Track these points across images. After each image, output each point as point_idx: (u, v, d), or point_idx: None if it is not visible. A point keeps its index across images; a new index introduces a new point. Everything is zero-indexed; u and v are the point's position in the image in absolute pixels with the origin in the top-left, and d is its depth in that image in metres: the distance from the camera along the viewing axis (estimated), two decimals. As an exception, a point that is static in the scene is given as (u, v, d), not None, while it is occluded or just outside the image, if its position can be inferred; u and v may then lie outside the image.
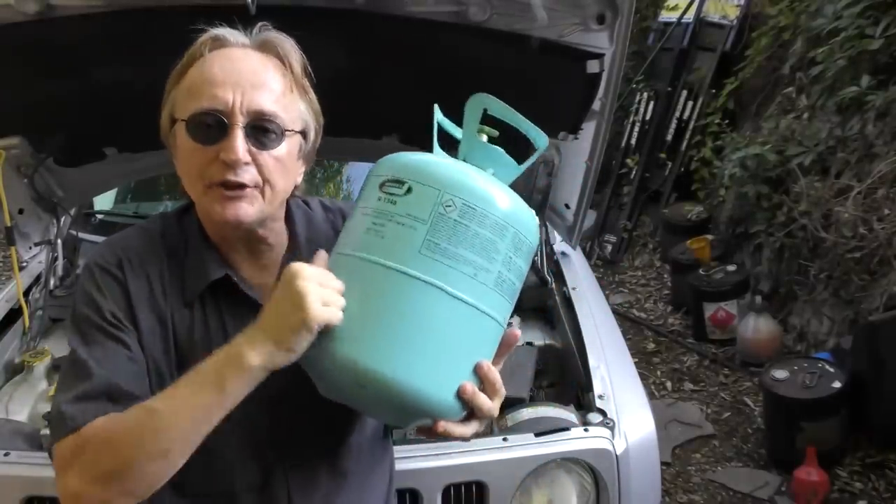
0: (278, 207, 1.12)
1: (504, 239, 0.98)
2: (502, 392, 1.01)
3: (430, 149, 2.24)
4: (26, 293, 2.27)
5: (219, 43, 1.07)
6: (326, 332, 0.94)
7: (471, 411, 1.00)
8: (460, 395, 0.97)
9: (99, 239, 2.63)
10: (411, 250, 0.95)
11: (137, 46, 1.71)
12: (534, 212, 1.05)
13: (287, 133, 1.06)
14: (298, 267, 0.94)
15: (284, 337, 0.92)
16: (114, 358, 1.03)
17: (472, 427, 1.02)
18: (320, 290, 0.92)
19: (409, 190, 0.97)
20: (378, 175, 1.02)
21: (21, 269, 2.31)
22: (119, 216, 2.89)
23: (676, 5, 5.79)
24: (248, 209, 1.05)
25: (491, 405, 1.00)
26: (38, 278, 2.36)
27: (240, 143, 1.02)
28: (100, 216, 2.86)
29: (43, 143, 2.09)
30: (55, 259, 2.36)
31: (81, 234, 2.62)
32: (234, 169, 1.02)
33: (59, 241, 2.38)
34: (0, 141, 2.01)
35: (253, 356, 0.92)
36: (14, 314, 2.23)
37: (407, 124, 2.25)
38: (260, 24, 1.11)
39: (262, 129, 1.04)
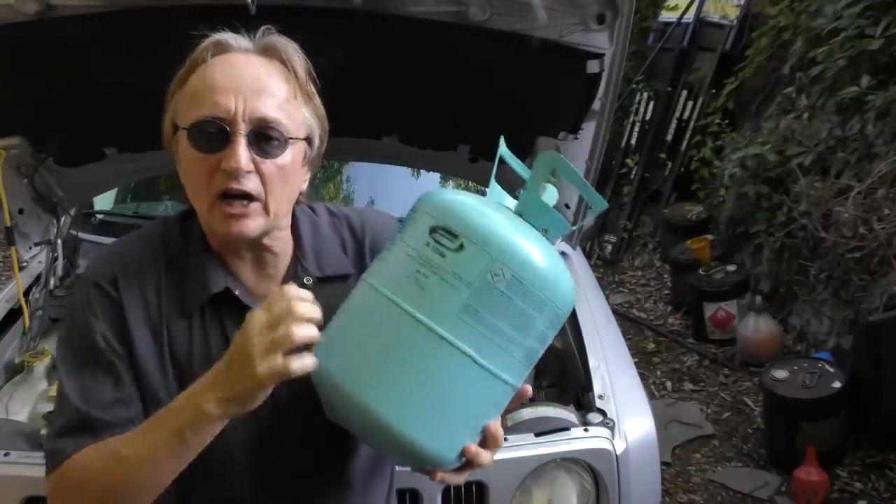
0: (283, 217, 1.11)
1: (542, 315, 0.97)
2: (501, 443, 1.02)
3: (429, 148, 2.24)
4: (26, 293, 2.27)
5: (221, 48, 1.06)
6: (343, 365, 0.94)
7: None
8: (464, 453, 0.98)
9: (99, 239, 2.63)
10: (450, 312, 0.93)
11: (137, 46, 1.71)
12: (573, 283, 1.03)
13: (290, 141, 1.05)
14: (250, 316, 0.92)
15: (238, 392, 0.91)
16: (98, 386, 1.04)
17: (466, 474, 1.04)
18: (269, 337, 0.89)
19: (462, 247, 0.94)
20: (431, 215, 0.98)
21: (21, 269, 2.31)
22: (119, 216, 2.89)
23: (676, 5, 5.79)
24: (251, 225, 1.03)
25: (489, 458, 1.01)
26: (38, 278, 2.36)
27: (242, 152, 1.00)
28: (100, 216, 2.85)
29: (43, 143, 2.09)
30: (55, 259, 2.36)
31: (81, 234, 2.62)
32: (236, 178, 1.01)
33: (59, 241, 2.38)
34: (0, 141, 2.01)
35: (210, 407, 0.91)
36: (14, 314, 2.23)
37: (407, 124, 2.25)
38: (263, 27, 1.09)
39: (264, 137, 1.02)
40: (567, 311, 1.02)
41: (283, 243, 1.14)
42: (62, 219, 2.43)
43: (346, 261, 1.19)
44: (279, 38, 1.09)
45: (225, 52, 1.06)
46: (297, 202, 1.16)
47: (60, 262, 2.38)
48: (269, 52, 1.07)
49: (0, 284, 2.76)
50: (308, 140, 1.10)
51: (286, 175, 1.06)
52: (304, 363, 0.91)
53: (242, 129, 1.01)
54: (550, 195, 1.05)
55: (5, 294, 2.30)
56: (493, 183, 1.08)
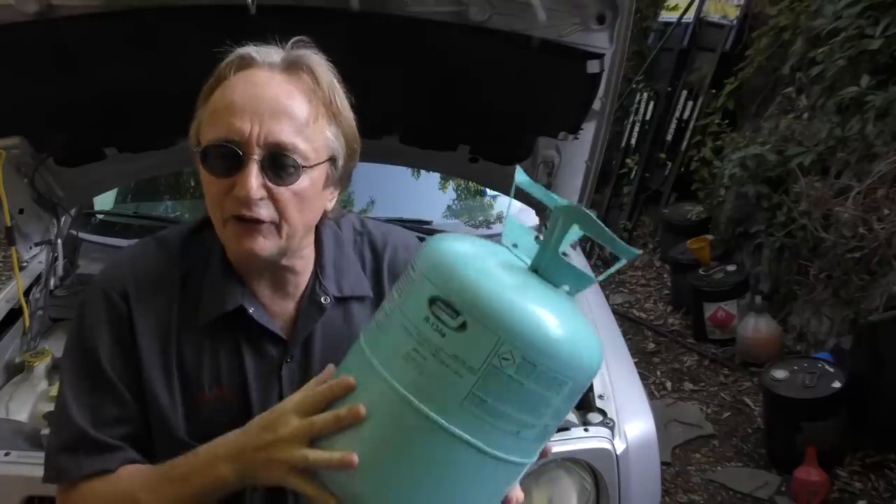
0: (300, 240, 1.07)
1: (559, 393, 0.85)
2: None
3: (429, 148, 2.23)
4: (26, 293, 2.26)
5: (245, 63, 1.01)
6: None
7: None
8: None
9: (99, 239, 2.63)
10: (453, 400, 0.82)
11: (137, 46, 1.71)
12: (597, 342, 0.90)
13: (305, 169, 1.00)
14: (286, 410, 0.91)
15: (258, 471, 0.91)
16: (99, 405, 1.04)
17: None
18: (303, 424, 0.88)
19: (464, 325, 0.81)
20: (431, 281, 0.85)
21: (21, 269, 2.31)
22: (119, 216, 2.89)
23: (676, 5, 5.80)
24: (264, 244, 1.00)
25: None
26: (38, 278, 2.36)
27: (253, 179, 0.96)
28: (100, 216, 2.85)
29: (43, 143, 2.09)
30: (55, 259, 2.36)
31: (81, 234, 2.62)
32: (247, 205, 0.97)
33: (59, 241, 2.38)
34: (0, 141, 2.01)
35: (227, 471, 0.93)
36: (14, 314, 2.22)
37: (407, 124, 2.25)
38: (293, 39, 1.05)
39: (279, 163, 0.98)
40: (592, 375, 0.90)
41: (303, 262, 1.11)
42: (62, 219, 2.43)
43: (366, 281, 1.16)
44: (308, 53, 1.04)
45: (248, 68, 1.01)
46: (324, 219, 1.12)
47: (60, 262, 2.37)
48: (294, 67, 1.02)
49: (0, 284, 2.75)
50: (332, 160, 1.05)
51: (303, 200, 1.01)
52: (330, 457, 0.86)
53: (256, 153, 0.96)
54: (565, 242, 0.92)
55: (5, 294, 2.30)
56: (509, 219, 0.94)
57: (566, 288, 0.90)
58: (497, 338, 0.80)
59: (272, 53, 1.03)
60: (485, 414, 0.82)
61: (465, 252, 0.87)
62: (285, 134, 0.98)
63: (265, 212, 0.99)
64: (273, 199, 0.99)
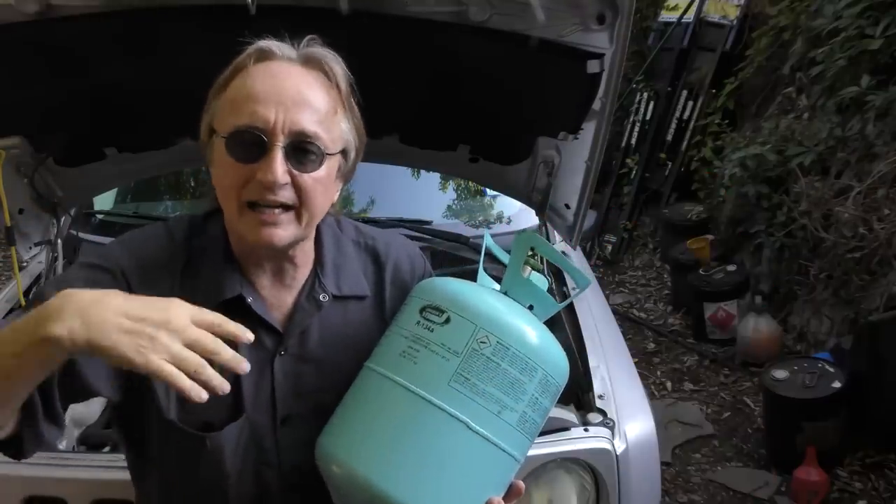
0: (313, 228, 1.11)
1: (532, 380, 1.01)
2: None
3: (429, 148, 2.28)
4: (26, 293, 2.26)
5: (264, 55, 1.05)
6: (342, 445, 0.98)
7: None
8: None
9: (99, 239, 2.63)
10: (441, 381, 0.98)
11: (137, 46, 1.71)
12: (564, 354, 1.07)
13: (326, 157, 1.04)
14: (181, 310, 0.86)
15: (110, 337, 0.81)
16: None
17: None
18: (185, 335, 0.84)
19: (448, 320, 1.01)
20: (421, 298, 1.06)
21: (21, 269, 2.31)
22: (119, 216, 2.89)
23: (676, 5, 5.80)
24: (281, 234, 1.03)
25: None
26: (38, 278, 2.36)
27: (278, 165, 0.99)
28: (100, 216, 2.85)
29: (43, 143, 2.09)
30: (55, 259, 2.35)
31: (81, 234, 2.62)
32: (271, 189, 1.00)
33: (59, 241, 2.38)
34: (0, 141, 2.01)
35: (61, 329, 0.80)
36: (14, 314, 2.22)
37: (407, 124, 2.25)
38: (308, 37, 1.09)
39: (302, 151, 1.02)
40: (560, 380, 1.06)
41: (305, 255, 1.13)
42: (62, 219, 2.43)
43: (365, 283, 1.19)
44: (322, 50, 1.08)
45: (267, 60, 1.05)
46: (326, 214, 1.14)
47: (60, 262, 2.37)
48: (311, 62, 1.07)
49: (0, 284, 2.75)
50: (344, 153, 1.09)
51: (321, 188, 1.05)
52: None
53: (280, 140, 1.00)
54: (539, 280, 1.11)
55: (5, 294, 2.30)
56: (481, 272, 1.14)
57: (531, 307, 1.08)
58: (474, 325, 1.00)
59: (289, 48, 1.07)
60: (468, 391, 0.98)
61: (450, 279, 1.09)
62: (308, 123, 1.02)
63: (286, 196, 1.02)
64: (295, 185, 1.02)
